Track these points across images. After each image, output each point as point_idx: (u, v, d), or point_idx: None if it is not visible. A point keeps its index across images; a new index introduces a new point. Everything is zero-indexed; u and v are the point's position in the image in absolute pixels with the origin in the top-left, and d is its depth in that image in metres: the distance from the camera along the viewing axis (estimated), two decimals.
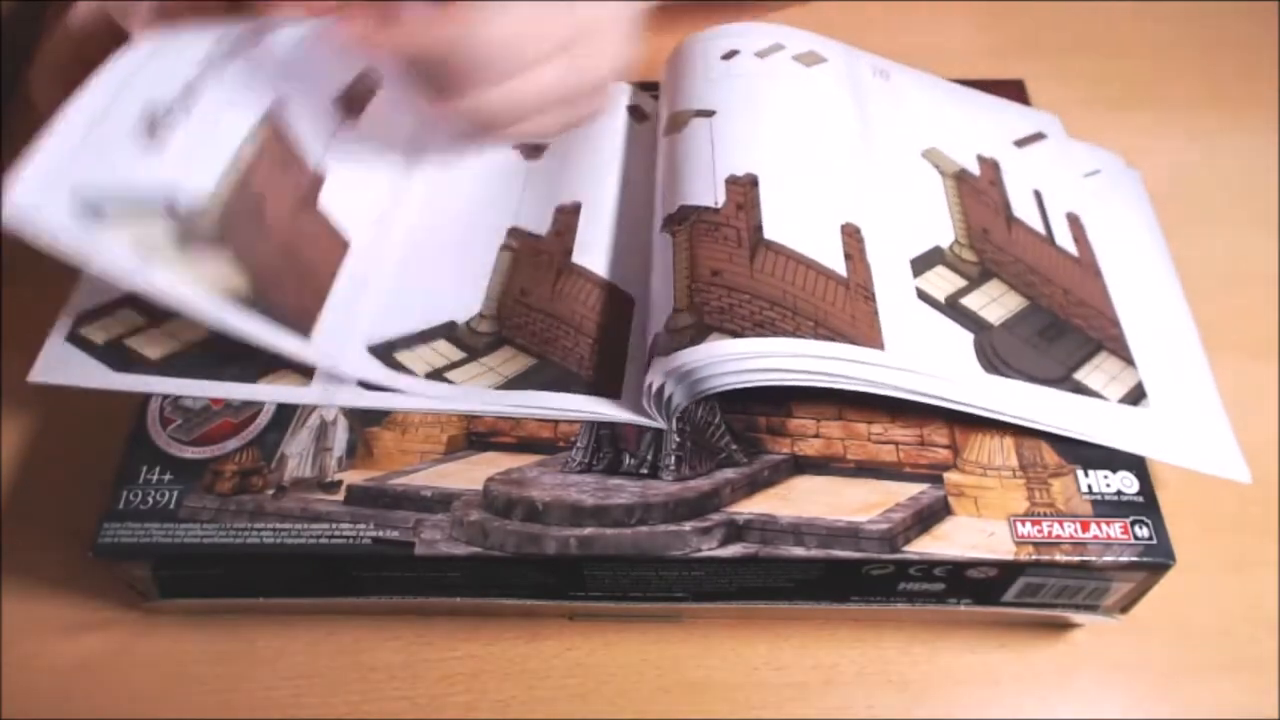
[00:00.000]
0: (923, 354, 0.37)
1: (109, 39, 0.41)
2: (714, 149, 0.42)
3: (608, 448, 0.38)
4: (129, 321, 0.41)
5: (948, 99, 0.49)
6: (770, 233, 0.39)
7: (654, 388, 0.37)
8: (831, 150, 0.43)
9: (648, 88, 0.50)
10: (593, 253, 0.43)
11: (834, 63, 0.47)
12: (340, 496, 0.37)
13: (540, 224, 0.44)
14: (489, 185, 0.46)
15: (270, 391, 0.39)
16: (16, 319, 0.48)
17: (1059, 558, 0.35)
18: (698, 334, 0.36)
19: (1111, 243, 0.45)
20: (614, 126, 0.48)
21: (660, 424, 0.38)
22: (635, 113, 0.49)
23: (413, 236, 0.44)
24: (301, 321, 0.39)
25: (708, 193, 0.41)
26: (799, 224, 0.40)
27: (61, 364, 0.39)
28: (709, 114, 0.44)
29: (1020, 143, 0.48)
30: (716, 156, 0.42)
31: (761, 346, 0.35)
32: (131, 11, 0.41)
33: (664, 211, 0.42)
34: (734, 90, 0.45)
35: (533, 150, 0.47)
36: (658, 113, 0.48)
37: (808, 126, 0.44)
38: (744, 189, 0.40)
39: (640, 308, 0.41)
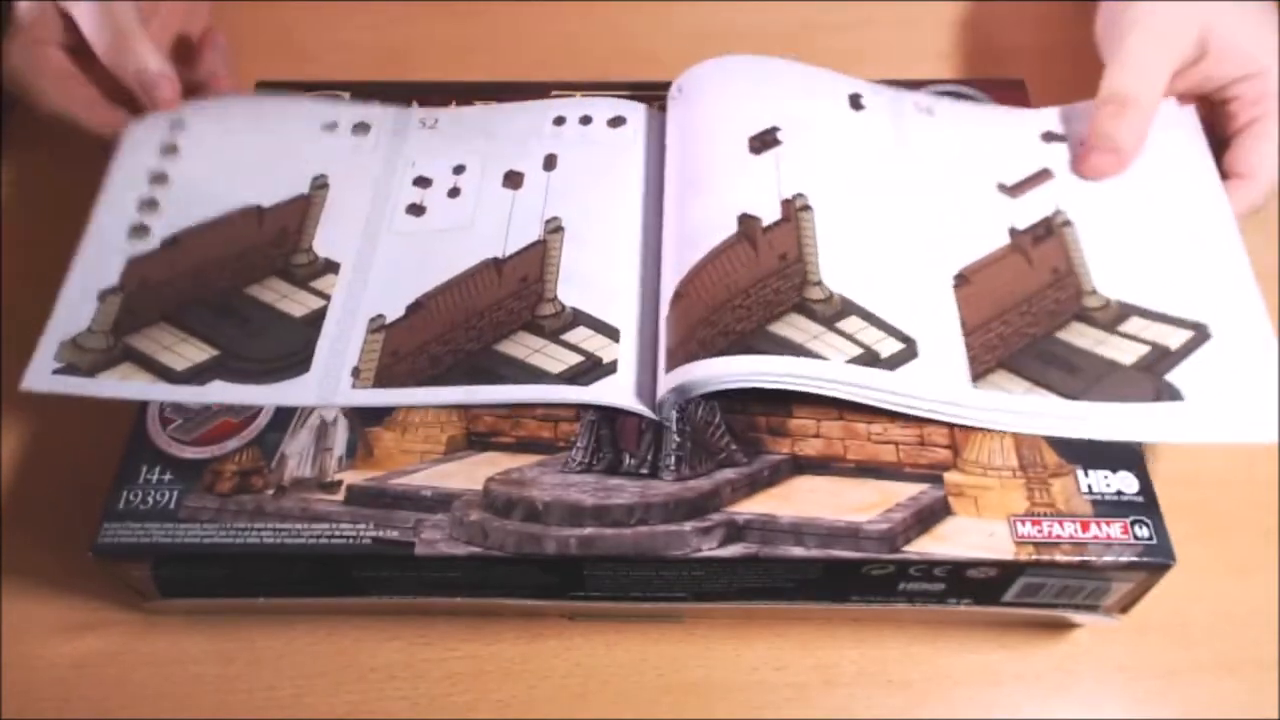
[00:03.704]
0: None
1: (56, 21, 0.45)
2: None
3: (608, 448, 0.38)
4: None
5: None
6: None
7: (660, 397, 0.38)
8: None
9: (652, 87, 0.49)
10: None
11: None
12: (340, 496, 0.37)
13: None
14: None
15: (268, 394, 0.39)
16: (16, 319, 0.48)
17: (1059, 558, 0.35)
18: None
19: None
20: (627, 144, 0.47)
21: (655, 415, 0.38)
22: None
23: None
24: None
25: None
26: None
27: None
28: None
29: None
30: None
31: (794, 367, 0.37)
32: None
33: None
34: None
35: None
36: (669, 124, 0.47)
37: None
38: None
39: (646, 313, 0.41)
